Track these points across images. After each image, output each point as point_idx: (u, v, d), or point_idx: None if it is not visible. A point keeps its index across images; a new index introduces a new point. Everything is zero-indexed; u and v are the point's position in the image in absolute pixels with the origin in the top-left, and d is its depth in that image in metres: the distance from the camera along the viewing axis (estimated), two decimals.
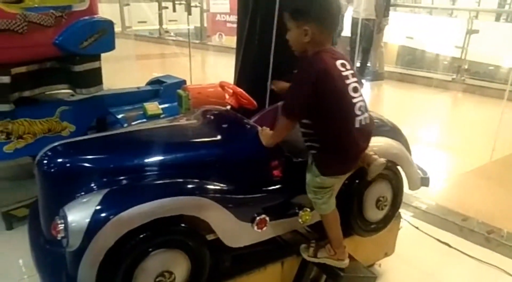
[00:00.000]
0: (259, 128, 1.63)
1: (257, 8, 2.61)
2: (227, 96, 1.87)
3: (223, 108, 1.77)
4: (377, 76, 6.45)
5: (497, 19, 9.77)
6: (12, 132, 2.36)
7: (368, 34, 6.01)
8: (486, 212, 2.79)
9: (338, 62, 1.47)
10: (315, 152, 1.53)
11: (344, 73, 1.47)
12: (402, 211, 2.18)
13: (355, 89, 1.49)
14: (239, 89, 1.71)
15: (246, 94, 1.73)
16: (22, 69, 2.33)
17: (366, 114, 1.53)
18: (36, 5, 2.36)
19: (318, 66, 1.42)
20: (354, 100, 1.48)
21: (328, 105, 1.43)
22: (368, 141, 1.59)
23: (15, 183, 2.78)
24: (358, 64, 6.22)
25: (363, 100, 1.52)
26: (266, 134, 1.58)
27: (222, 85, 1.79)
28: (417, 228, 2.60)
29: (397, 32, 7.79)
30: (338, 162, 1.54)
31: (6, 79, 2.19)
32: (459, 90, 5.82)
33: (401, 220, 2.20)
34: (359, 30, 5.51)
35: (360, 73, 5.96)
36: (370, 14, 5.93)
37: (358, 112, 1.49)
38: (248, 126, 1.65)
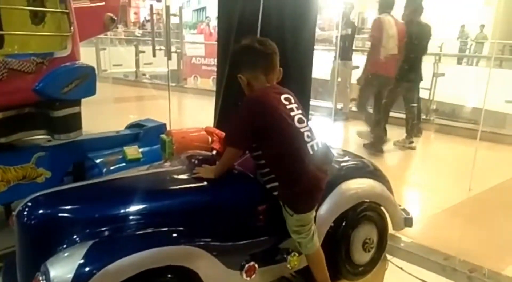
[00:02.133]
0: (197, 168, 1.65)
1: None
2: (210, 140, 1.88)
3: (208, 153, 1.77)
4: (343, 116, 6.47)
5: (459, 62, 10.42)
6: None
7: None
8: (466, 249, 2.82)
9: (283, 97, 1.65)
10: (278, 191, 1.60)
11: (288, 106, 1.63)
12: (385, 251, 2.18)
13: (301, 120, 1.64)
14: (221, 133, 1.73)
15: None
16: None
17: (316, 140, 1.64)
18: (16, 52, 2.36)
19: (256, 99, 1.61)
20: (302, 130, 1.61)
21: (273, 134, 1.56)
22: (325, 165, 1.67)
23: None
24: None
25: (309, 130, 1.65)
26: (207, 170, 1.62)
27: (208, 131, 1.80)
28: (401, 268, 2.58)
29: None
30: (304, 195, 1.60)
31: None
32: (430, 130, 6.03)
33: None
34: None
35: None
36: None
37: (307, 139, 1.61)
38: (235, 172, 1.65)
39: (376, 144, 4.70)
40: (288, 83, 2.71)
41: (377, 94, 4.78)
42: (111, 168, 2.72)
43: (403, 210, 2.14)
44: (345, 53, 6.05)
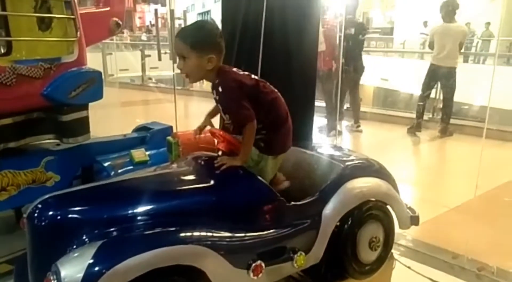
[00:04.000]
0: (220, 158, 1.73)
1: (240, 58, 2.72)
2: (216, 142, 1.89)
3: (214, 154, 1.79)
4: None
5: (465, 60, 10.34)
6: None
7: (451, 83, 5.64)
8: (475, 248, 2.81)
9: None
10: (265, 137, 1.79)
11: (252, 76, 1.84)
12: (392, 250, 2.18)
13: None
14: (228, 135, 1.75)
15: (235, 139, 1.77)
16: (8, 120, 2.31)
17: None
18: (24, 58, 2.40)
19: (233, 76, 1.76)
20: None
21: (260, 94, 1.78)
22: None
23: None
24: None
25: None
26: (230, 158, 1.71)
27: (212, 132, 1.83)
28: (409, 267, 2.59)
29: (372, 75, 8.13)
30: (288, 134, 1.85)
31: None
32: (436, 129, 6.00)
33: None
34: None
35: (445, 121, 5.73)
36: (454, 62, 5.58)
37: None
38: (241, 171, 1.67)
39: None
40: (292, 84, 2.75)
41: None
42: (119, 170, 2.75)
43: (409, 208, 2.14)
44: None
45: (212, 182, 1.60)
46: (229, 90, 1.71)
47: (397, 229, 2.07)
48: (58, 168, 2.57)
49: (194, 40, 1.68)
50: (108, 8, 2.95)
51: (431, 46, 5.70)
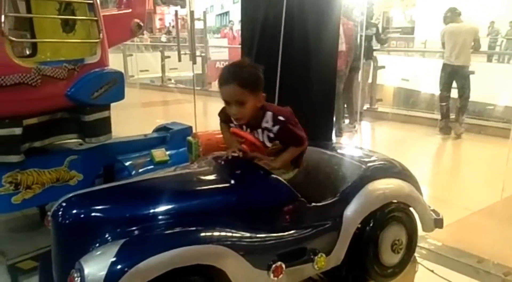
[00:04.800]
0: (257, 154, 1.77)
1: (260, 57, 2.72)
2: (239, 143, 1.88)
3: (235, 154, 1.78)
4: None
5: (489, 60, 10.08)
6: (21, 183, 2.36)
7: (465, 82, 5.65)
8: (500, 252, 2.72)
9: None
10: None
11: None
12: (415, 253, 2.14)
13: None
14: (251, 136, 1.74)
15: (258, 140, 1.76)
16: (34, 120, 2.37)
17: None
18: (49, 59, 2.46)
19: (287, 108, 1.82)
20: None
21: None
22: None
23: (21, 234, 2.73)
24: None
25: None
26: (272, 160, 1.75)
27: (235, 132, 1.82)
28: (432, 271, 2.53)
29: (392, 75, 8.00)
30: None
31: (18, 130, 2.22)
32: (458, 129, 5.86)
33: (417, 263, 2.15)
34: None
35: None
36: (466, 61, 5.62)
37: None
38: (261, 172, 1.66)
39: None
40: (312, 86, 2.72)
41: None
42: (140, 170, 2.79)
43: (433, 211, 2.08)
44: (366, 53, 6.05)
45: (232, 182, 1.60)
46: (290, 117, 1.74)
47: (420, 231, 2.02)
48: (81, 167, 2.62)
49: (248, 83, 1.65)
50: (130, 10, 2.99)
51: (444, 46, 5.77)
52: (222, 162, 1.71)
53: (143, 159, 2.88)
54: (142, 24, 3.03)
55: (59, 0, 2.44)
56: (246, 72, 1.68)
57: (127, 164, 2.79)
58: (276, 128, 1.69)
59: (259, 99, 1.69)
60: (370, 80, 6.67)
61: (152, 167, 2.82)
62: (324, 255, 1.64)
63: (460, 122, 5.68)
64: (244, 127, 1.79)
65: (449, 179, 4.47)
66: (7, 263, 2.35)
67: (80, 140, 2.68)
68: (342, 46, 4.94)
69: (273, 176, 1.64)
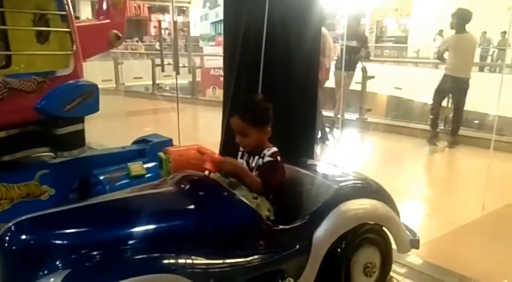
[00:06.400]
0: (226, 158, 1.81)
1: (242, 68, 2.68)
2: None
3: (202, 174, 1.72)
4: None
5: (481, 70, 10.13)
6: None
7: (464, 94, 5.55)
8: (482, 270, 2.67)
9: None
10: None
11: None
12: (394, 271, 2.07)
13: None
14: (216, 155, 1.69)
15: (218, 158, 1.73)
16: (2, 133, 2.29)
17: None
18: (23, 71, 2.39)
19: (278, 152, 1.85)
20: None
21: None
22: None
23: None
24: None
25: None
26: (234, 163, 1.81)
27: (200, 151, 1.77)
28: None
29: (384, 84, 8.00)
30: None
31: None
32: (446, 140, 5.83)
33: None
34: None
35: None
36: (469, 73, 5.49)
37: None
38: (226, 193, 1.60)
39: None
40: (293, 93, 2.68)
41: None
42: (115, 184, 2.71)
43: (410, 230, 2.03)
44: (349, 64, 5.97)
45: (193, 205, 1.54)
46: (279, 163, 1.83)
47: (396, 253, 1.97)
48: (53, 181, 2.54)
49: (253, 119, 1.80)
50: (108, 21, 2.94)
51: (441, 58, 5.61)
52: (187, 183, 1.65)
53: (119, 173, 2.79)
54: (120, 34, 2.97)
55: (31, 11, 2.37)
56: (255, 110, 1.84)
57: (101, 177, 2.71)
58: (268, 159, 1.80)
59: (265, 133, 1.84)
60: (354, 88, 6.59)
61: (128, 181, 2.74)
62: (292, 280, 1.58)
63: (456, 134, 5.61)
64: (243, 152, 1.93)
65: (432, 192, 4.41)
66: None
67: (53, 154, 2.60)
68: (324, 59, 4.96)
69: (236, 197, 1.58)
